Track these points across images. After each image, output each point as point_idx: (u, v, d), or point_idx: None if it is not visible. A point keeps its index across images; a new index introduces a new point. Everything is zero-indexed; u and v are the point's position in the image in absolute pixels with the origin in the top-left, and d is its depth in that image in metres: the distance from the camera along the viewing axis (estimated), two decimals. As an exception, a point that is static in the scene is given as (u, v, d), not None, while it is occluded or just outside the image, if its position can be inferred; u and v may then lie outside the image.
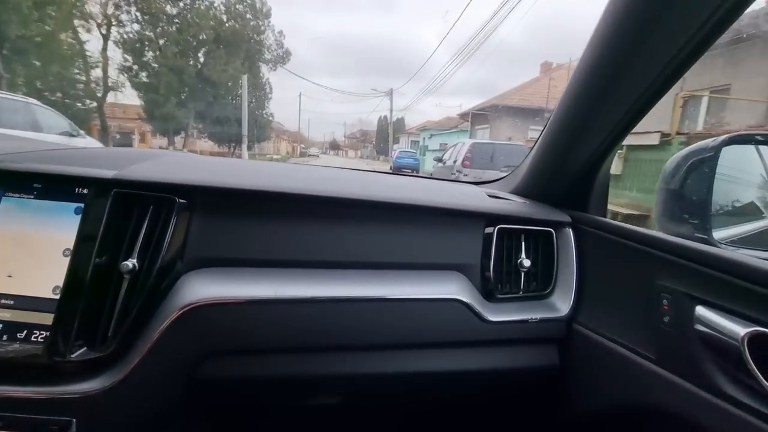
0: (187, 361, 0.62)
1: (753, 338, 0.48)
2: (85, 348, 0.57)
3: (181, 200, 0.62)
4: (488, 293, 0.76)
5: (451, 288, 0.72)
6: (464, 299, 0.72)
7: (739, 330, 0.49)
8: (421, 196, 0.76)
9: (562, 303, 0.78)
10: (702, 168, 0.64)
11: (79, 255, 0.58)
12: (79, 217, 0.59)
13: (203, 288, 0.61)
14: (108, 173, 0.61)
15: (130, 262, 0.58)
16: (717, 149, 0.63)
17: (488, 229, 0.77)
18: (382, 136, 44.93)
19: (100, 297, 0.58)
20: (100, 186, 0.60)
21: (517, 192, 0.94)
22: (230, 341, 0.64)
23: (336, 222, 0.70)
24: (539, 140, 0.85)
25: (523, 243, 0.79)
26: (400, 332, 0.70)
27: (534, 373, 0.79)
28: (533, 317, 0.75)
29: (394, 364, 0.72)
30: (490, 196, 0.88)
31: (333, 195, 0.69)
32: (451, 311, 0.71)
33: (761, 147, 0.76)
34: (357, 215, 0.71)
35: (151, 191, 0.62)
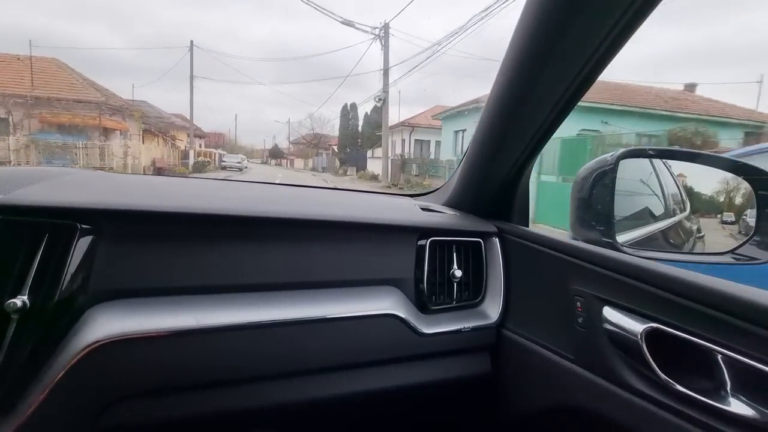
0: (93, 406, 0.55)
1: (649, 333, 0.54)
2: None
3: (84, 226, 0.56)
4: (422, 305, 0.77)
5: (386, 303, 0.72)
6: (399, 313, 0.72)
7: (638, 326, 0.55)
8: (354, 212, 0.76)
9: (491, 310, 0.81)
10: (604, 180, 0.71)
11: None
12: None
13: (111, 323, 0.55)
14: None
15: (19, 300, 0.51)
16: (615, 162, 0.71)
17: (421, 242, 0.78)
18: (349, 138, 29.53)
19: None
20: None
21: (449, 204, 0.97)
22: (145, 381, 0.58)
23: (263, 242, 0.67)
24: (466, 153, 0.89)
25: (454, 254, 0.81)
26: (336, 353, 0.69)
27: (469, 382, 0.81)
28: (466, 326, 0.77)
29: (333, 387, 0.70)
30: (422, 209, 0.90)
31: (258, 215, 0.66)
32: (386, 327, 0.71)
33: (654, 160, 0.86)
34: (285, 234, 0.69)
35: (46, 217, 0.55)
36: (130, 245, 0.59)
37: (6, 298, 0.51)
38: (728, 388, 0.48)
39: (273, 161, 54.10)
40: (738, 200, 0.77)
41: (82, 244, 0.56)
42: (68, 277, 0.54)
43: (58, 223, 0.55)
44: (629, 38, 0.58)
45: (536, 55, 0.63)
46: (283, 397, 0.66)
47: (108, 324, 0.55)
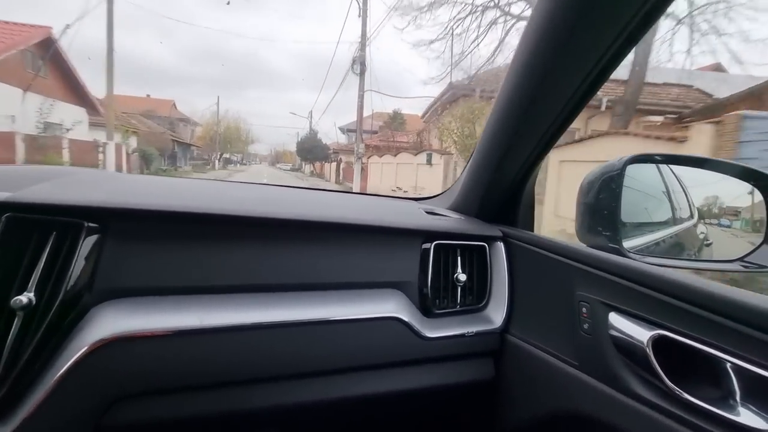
0: (95, 405, 0.55)
1: (656, 340, 0.53)
2: None
3: (91, 224, 0.56)
4: (426, 309, 0.76)
5: (389, 306, 0.72)
6: (402, 317, 0.71)
7: (644, 333, 0.54)
8: (358, 215, 0.76)
9: (496, 315, 0.80)
10: (611, 185, 0.70)
11: None
12: None
13: (116, 321, 0.55)
14: (0, 195, 0.54)
15: (25, 297, 0.51)
16: (622, 167, 0.70)
17: (425, 246, 0.78)
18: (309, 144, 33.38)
19: None
20: None
21: (453, 208, 0.96)
22: (149, 380, 0.58)
23: (268, 243, 0.67)
24: (471, 157, 0.89)
25: (459, 258, 0.81)
26: (339, 355, 0.68)
27: (472, 387, 0.80)
28: (469, 331, 0.77)
29: (335, 389, 0.69)
30: (427, 212, 0.90)
31: (263, 215, 0.66)
32: (389, 330, 0.71)
33: (661, 165, 0.85)
34: (290, 236, 0.69)
35: (54, 215, 0.55)
36: (136, 244, 0.60)
37: (12, 295, 0.51)
38: (737, 397, 0.47)
39: (277, 164, 62.56)
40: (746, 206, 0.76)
41: (88, 243, 0.56)
42: (74, 275, 0.55)
43: (66, 221, 0.56)
44: (636, 44, 0.59)
45: (543, 61, 0.64)
46: (286, 399, 0.66)
47: (112, 322, 0.55)
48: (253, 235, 0.66)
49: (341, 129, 35.95)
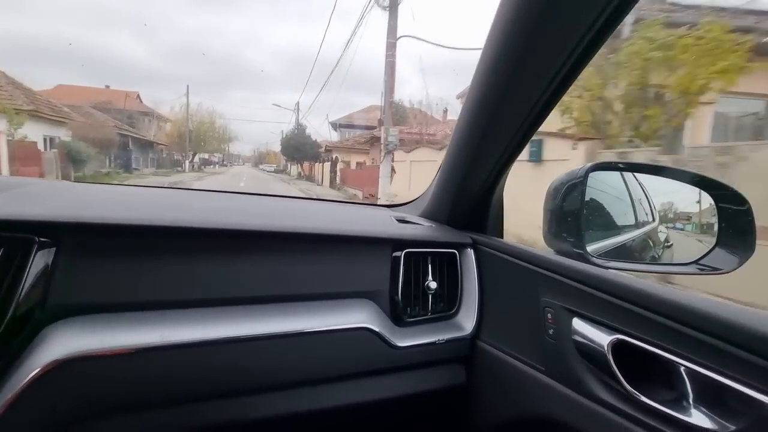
0: (51, 429, 0.53)
1: (616, 345, 0.55)
2: None
3: (42, 239, 0.54)
4: (397, 317, 0.76)
5: (360, 316, 0.72)
6: (373, 327, 0.71)
7: (604, 338, 0.56)
8: (328, 224, 0.75)
9: (466, 321, 0.81)
10: (574, 192, 0.72)
11: None
12: None
13: (71, 340, 0.53)
14: None
15: None
16: (584, 175, 0.72)
17: (396, 254, 0.78)
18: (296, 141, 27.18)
19: None
20: None
21: (425, 215, 0.97)
22: (109, 399, 0.55)
23: (233, 255, 0.66)
24: (442, 164, 0.89)
25: (429, 266, 0.81)
26: (309, 367, 0.68)
27: (443, 394, 0.81)
28: (440, 338, 0.77)
29: (306, 402, 0.69)
30: (398, 220, 0.90)
31: (227, 227, 0.65)
32: (360, 340, 0.70)
33: (623, 173, 0.89)
34: (257, 247, 0.68)
35: (1, 230, 0.52)
36: (92, 259, 0.57)
37: None
38: (690, 399, 0.49)
39: (259, 165, 58.02)
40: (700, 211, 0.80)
41: (39, 258, 0.53)
42: (24, 293, 0.52)
43: (15, 236, 0.53)
44: (603, 44, 0.59)
45: (507, 69, 0.64)
46: (256, 413, 0.65)
47: (67, 342, 0.53)
48: (215, 247, 0.65)
49: (333, 125, 31.02)
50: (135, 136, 22.67)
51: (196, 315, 0.61)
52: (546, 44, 0.59)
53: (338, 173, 20.14)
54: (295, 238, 0.70)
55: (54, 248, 0.55)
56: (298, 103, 31.24)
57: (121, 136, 19.79)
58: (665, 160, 4.32)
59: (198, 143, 36.09)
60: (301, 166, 31.10)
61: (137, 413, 0.58)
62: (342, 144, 23.70)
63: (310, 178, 27.91)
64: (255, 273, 0.67)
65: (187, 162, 31.81)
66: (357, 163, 20.02)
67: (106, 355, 0.54)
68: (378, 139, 12.25)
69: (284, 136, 30.95)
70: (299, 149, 27.87)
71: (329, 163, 22.50)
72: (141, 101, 32.36)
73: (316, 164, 26.99)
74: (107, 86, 32.22)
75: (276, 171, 44.17)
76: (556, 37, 0.58)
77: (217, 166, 48.90)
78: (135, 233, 0.60)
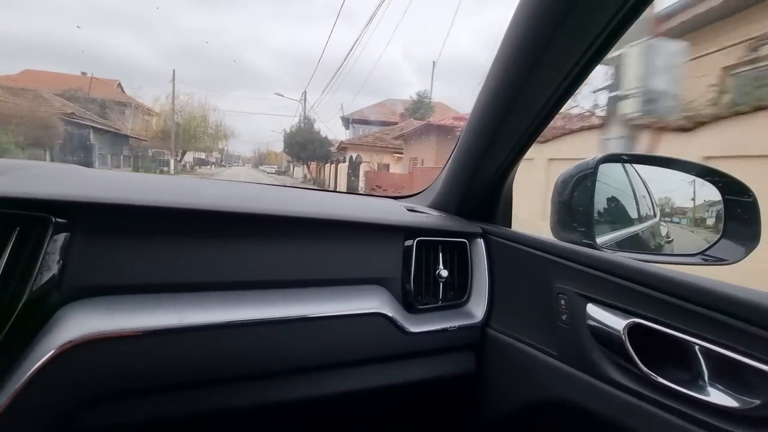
0: (66, 410, 0.52)
1: (632, 328, 0.56)
2: None
3: (59, 219, 0.53)
4: (409, 305, 0.77)
5: (373, 302, 0.72)
6: (386, 312, 0.72)
7: (620, 322, 0.57)
8: (341, 212, 0.75)
9: (477, 309, 0.82)
10: (585, 183, 0.74)
11: None
12: None
13: (88, 321, 0.52)
14: None
15: None
16: (596, 166, 0.74)
17: (407, 242, 0.79)
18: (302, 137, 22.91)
19: None
20: None
21: (434, 205, 0.98)
22: (124, 381, 0.55)
23: (248, 240, 0.65)
24: (452, 155, 0.90)
25: (440, 254, 0.82)
26: (322, 352, 0.68)
27: (454, 380, 0.81)
28: (452, 325, 0.78)
29: (319, 386, 0.69)
30: (408, 210, 0.90)
31: (242, 211, 0.65)
32: (373, 325, 0.71)
33: (627, 165, 0.90)
34: (270, 232, 0.68)
35: (17, 209, 0.51)
36: (108, 240, 0.56)
37: None
38: (706, 378, 0.50)
39: (259, 166, 55.06)
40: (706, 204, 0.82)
41: (56, 239, 0.53)
42: (40, 273, 0.51)
43: (31, 215, 0.52)
44: (617, 40, 0.60)
45: (524, 59, 0.65)
46: (269, 397, 0.65)
47: (82, 323, 0.52)
48: (231, 231, 0.64)
49: (344, 120, 26.98)
50: (99, 127, 17.33)
51: (211, 298, 0.61)
52: (563, 39, 0.60)
53: (362, 176, 15.04)
54: (308, 222, 0.70)
55: (70, 229, 0.54)
56: (305, 92, 27.77)
57: (74, 126, 14.74)
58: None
59: (187, 140, 30.59)
60: (308, 167, 26.23)
61: (154, 394, 0.58)
62: (362, 141, 18.99)
63: (318, 181, 23.03)
64: (270, 257, 0.67)
65: (173, 161, 26.66)
66: (383, 165, 16.37)
67: (121, 336, 0.53)
68: (419, 132, 10.15)
69: (288, 131, 26.19)
70: (306, 147, 23.17)
71: (344, 164, 17.80)
72: (123, 91, 28.20)
73: (326, 165, 22.51)
74: (83, 73, 27.30)
75: (277, 173, 40.19)
76: (574, 31, 0.59)
77: (213, 166, 44.80)
78: (151, 215, 0.59)
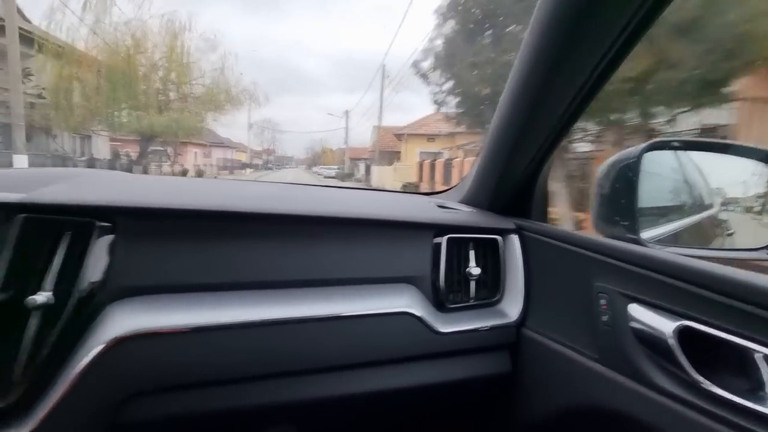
0: (112, 403, 0.56)
1: (681, 332, 0.51)
2: None
3: (102, 223, 0.57)
4: (439, 304, 0.75)
5: (402, 301, 0.71)
6: (415, 312, 0.71)
7: (668, 324, 0.52)
8: (370, 210, 0.75)
9: (511, 309, 0.79)
10: (627, 173, 0.68)
11: None
12: None
13: (131, 319, 0.56)
14: (14, 196, 0.55)
15: (40, 296, 0.52)
16: (639, 155, 0.68)
17: (437, 240, 0.77)
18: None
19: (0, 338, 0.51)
20: (5, 211, 0.54)
21: (465, 201, 0.95)
22: (164, 376, 0.58)
23: (280, 239, 0.67)
24: (483, 149, 0.87)
25: (471, 251, 0.79)
26: (353, 351, 0.68)
27: (487, 381, 0.79)
28: (484, 325, 0.76)
29: (349, 385, 0.69)
30: (438, 206, 0.88)
31: (275, 212, 0.66)
32: (402, 325, 0.70)
33: (678, 152, 0.83)
34: (302, 232, 0.69)
35: (66, 215, 0.56)
36: (148, 243, 0.60)
37: (27, 295, 0.52)
38: (766, 388, 0.45)
39: (312, 167, 52.81)
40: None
41: (100, 242, 0.57)
42: (88, 274, 0.55)
43: (78, 220, 0.56)
44: (646, 32, 0.58)
45: (553, 50, 0.63)
46: (301, 395, 0.66)
47: (127, 320, 0.56)
48: (264, 231, 0.66)
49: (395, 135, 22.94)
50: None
51: (245, 297, 0.63)
52: (593, 28, 0.58)
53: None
54: (338, 222, 0.70)
55: (113, 232, 0.58)
56: (347, 111, 30.58)
57: None
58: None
59: (132, 103, 14.61)
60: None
61: (189, 390, 0.60)
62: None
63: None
64: (300, 257, 0.68)
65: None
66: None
67: (163, 333, 0.57)
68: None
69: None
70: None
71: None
72: (25, 17, 11.71)
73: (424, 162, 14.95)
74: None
75: (338, 175, 30.24)
76: (604, 20, 0.56)
77: (248, 170, 33.61)
78: (187, 217, 0.62)
